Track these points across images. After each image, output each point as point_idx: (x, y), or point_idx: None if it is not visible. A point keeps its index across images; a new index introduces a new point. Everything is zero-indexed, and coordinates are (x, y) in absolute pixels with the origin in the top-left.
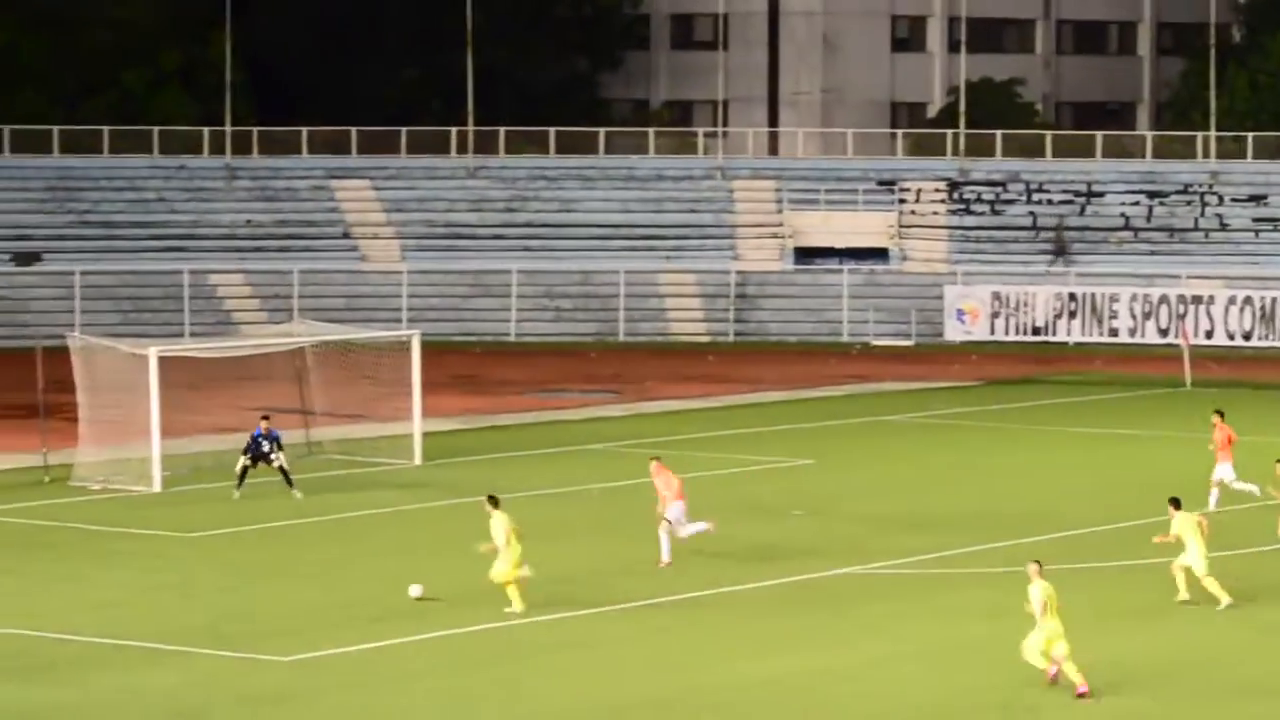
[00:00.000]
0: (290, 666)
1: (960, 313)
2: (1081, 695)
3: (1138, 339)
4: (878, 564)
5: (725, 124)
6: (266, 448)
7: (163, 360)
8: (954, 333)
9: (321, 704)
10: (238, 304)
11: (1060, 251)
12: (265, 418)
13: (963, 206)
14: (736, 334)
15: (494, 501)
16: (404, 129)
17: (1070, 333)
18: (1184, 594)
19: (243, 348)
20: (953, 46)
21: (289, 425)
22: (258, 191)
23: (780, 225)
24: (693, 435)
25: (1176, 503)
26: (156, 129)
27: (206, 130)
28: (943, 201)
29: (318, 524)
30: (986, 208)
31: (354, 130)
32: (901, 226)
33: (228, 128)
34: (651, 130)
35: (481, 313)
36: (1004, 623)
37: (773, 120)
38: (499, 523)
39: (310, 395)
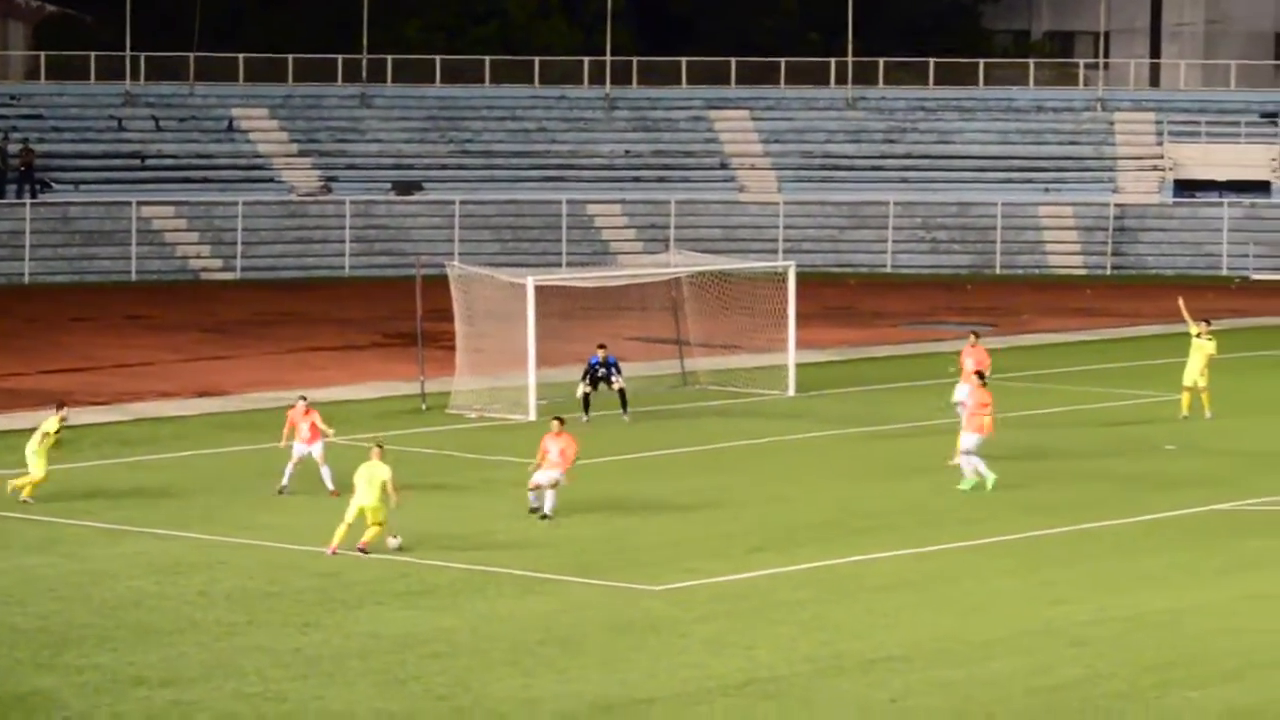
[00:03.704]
0: (662, 595)
1: None
2: (362, 550)
3: None
4: (1253, 500)
5: (1106, 55)
6: (603, 373)
7: (540, 289)
8: None
9: (692, 633)
10: (614, 234)
11: None
12: (602, 346)
13: None
14: (1114, 267)
15: None
16: (783, 60)
17: None
18: None
19: (619, 278)
20: None
21: (663, 355)
22: (636, 122)
23: (1160, 158)
24: (1068, 369)
25: None
26: (537, 59)
27: (587, 60)
28: None
29: (692, 454)
30: None
31: (733, 61)
32: None
33: (608, 58)
34: (1032, 61)
35: (857, 244)
36: None
37: (1154, 52)
38: None
39: (685, 326)
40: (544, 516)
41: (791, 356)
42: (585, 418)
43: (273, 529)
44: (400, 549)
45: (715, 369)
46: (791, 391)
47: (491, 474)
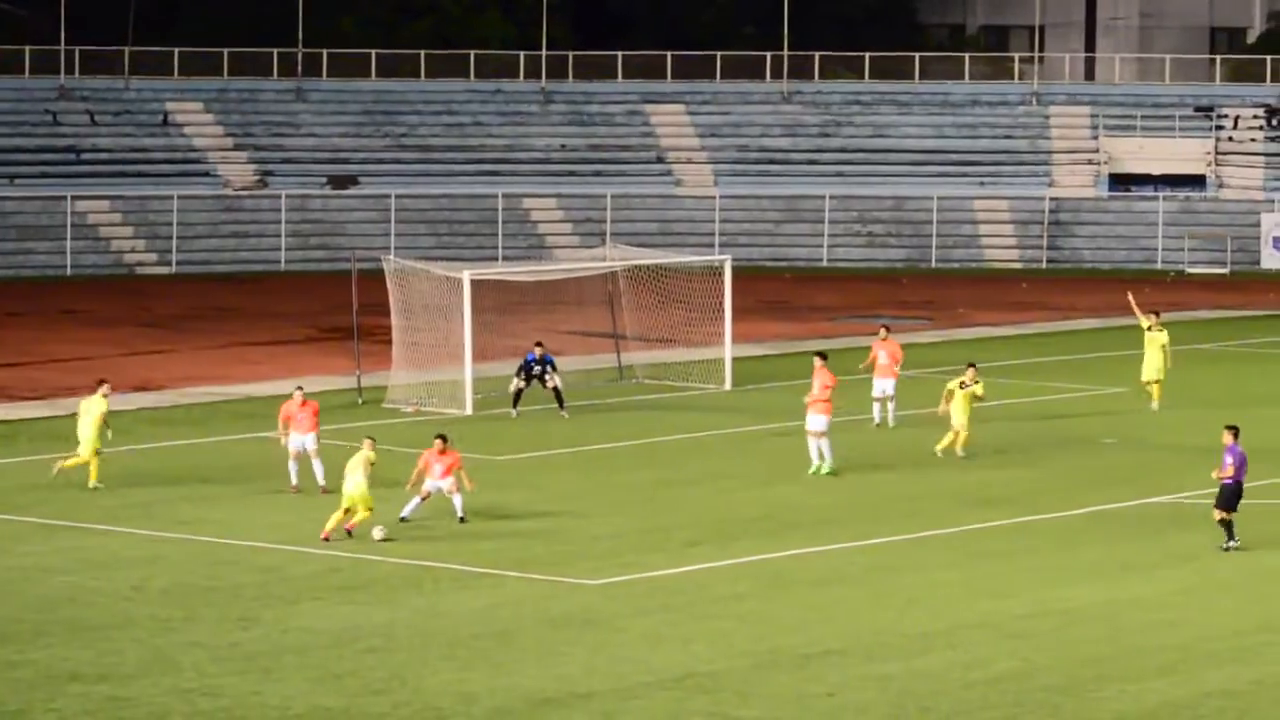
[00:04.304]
0: (599, 590)
1: (1277, 240)
2: (325, 540)
3: None
4: (1190, 493)
5: (1041, 49)
6: (538, 370)
7: (475, 283)
8: (1270, 261)
9: (630, 627)
10: (551, 228)
11: None
12: (539, 344)
13: None
14: (1049, 260)
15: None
16: (719, 54)
17: None
18: None
19: (555, 271)
20: None
21: (600, 349)
22: (572, 116)
23: (1095, 151)
24: (1004, 362)
25: None
26: (473, 53)
27: (522, 54)
28: (1261, 128)
29: (629, 448)
30: None
31: (669, 55)
32: (1218, 153)
33: (544, 52)
34: (967, 55)
35: (794, 238)
36: None
37: (1089, 46)
38: None
39: (622, 319)
40: (461, 519)
41: (728, 350)
42: (515, 413)
43: (210, 524)
44: (385, 540)
45: (652, 363)
46: (728, 385)
47: None
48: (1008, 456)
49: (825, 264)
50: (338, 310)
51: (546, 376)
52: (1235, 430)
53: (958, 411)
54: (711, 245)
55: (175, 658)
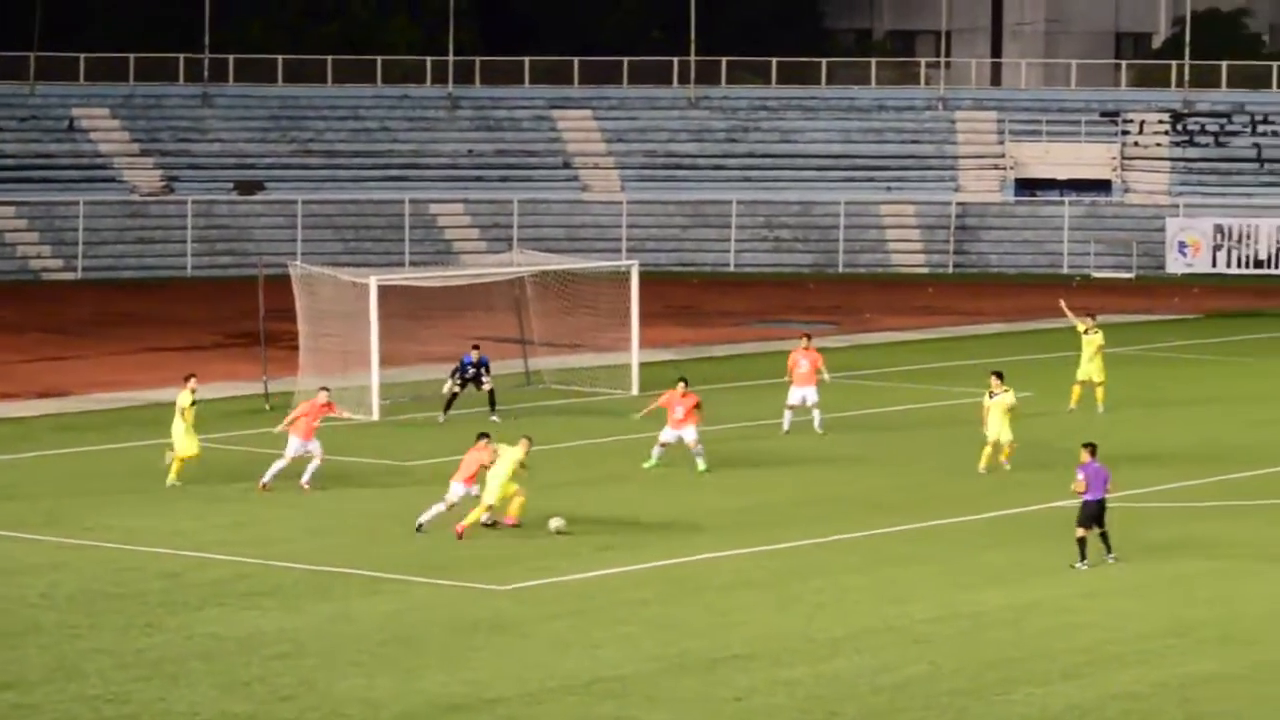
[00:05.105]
0: (508, 595)
1: (1182, 245)
2: (460, 536)
3: None
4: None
5: (948, 54)
6: (473, 374)
7: (383, 289)
8: (1175, 265)
9: (538, 632)
10: (458, 233)
11: None
12: (475, 347)
13: (1186, 138)
14: (956, 265)
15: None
16: (625, 59)
17: None
18: None
19: (462, 277)
20: None
21: (508, 355)
22: (479, 121)
23: (1001, 156)
24: (911, 367)
25: None
26: (380, 58)
27: (429, 59)
28: (1166, 133)
29: (537, 453)
30: (1210, 139)
31: (576, 60)
32: (1124, 158)
33: (450, 57)
34: (874, 61)
35: (701, 243)
36: (1223, 558)
37: (995, 51)
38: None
39: (529, 325)
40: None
41: (635, 355)
42: (443, 417)
43: (116, 530)
44: (561, 533)
45: (559, 368)
46: (635, 390)
47: (333, 473)
48: (913, 461)
49: (732, 269)
50: (245, 316)
51: (483, 379)
52: (1093, 448)
53: (995, 424)
54: (619, 250)
55: (80, 665)
